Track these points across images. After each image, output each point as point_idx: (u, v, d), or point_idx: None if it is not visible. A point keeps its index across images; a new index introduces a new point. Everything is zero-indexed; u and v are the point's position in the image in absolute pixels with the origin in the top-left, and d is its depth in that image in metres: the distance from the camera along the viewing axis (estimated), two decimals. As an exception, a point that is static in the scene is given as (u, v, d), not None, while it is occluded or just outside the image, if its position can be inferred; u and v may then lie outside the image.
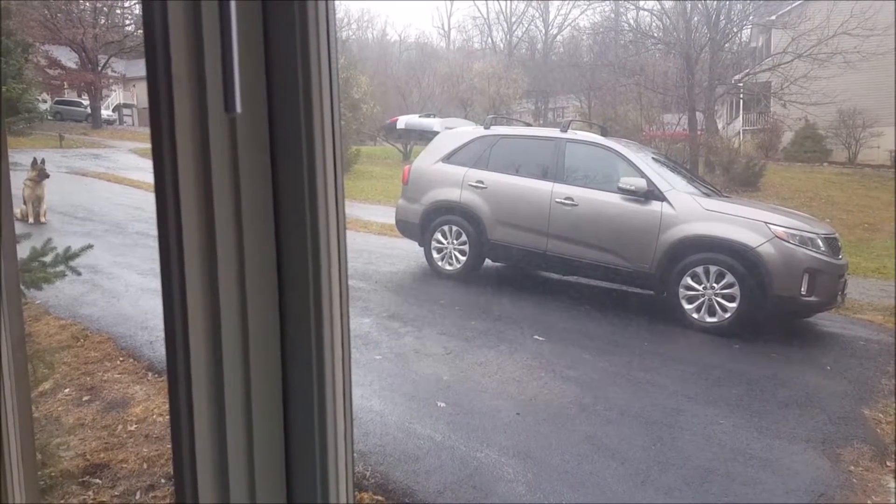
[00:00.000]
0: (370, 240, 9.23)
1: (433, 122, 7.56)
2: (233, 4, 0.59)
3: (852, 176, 15.42)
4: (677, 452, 3.38)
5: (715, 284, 5.52)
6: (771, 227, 5.43)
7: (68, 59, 21.57)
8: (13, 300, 1.18)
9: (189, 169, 0.62)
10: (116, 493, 2.71)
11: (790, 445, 3.55)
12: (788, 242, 5.37)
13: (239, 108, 0.61)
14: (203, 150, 0.62)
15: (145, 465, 2.94)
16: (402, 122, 8.03)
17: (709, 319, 5.55)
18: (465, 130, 7.71)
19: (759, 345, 5.34)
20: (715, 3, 16.43)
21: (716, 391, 4.28)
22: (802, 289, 5.31)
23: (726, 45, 17.44)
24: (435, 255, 7.15)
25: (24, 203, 8.07)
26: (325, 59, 0.65)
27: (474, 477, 3.04)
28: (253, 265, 0.66)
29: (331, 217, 0.69)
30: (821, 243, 5.47)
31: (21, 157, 9.77)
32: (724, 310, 5.48)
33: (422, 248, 7.34)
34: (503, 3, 38.68)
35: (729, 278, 5.46)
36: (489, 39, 33.75)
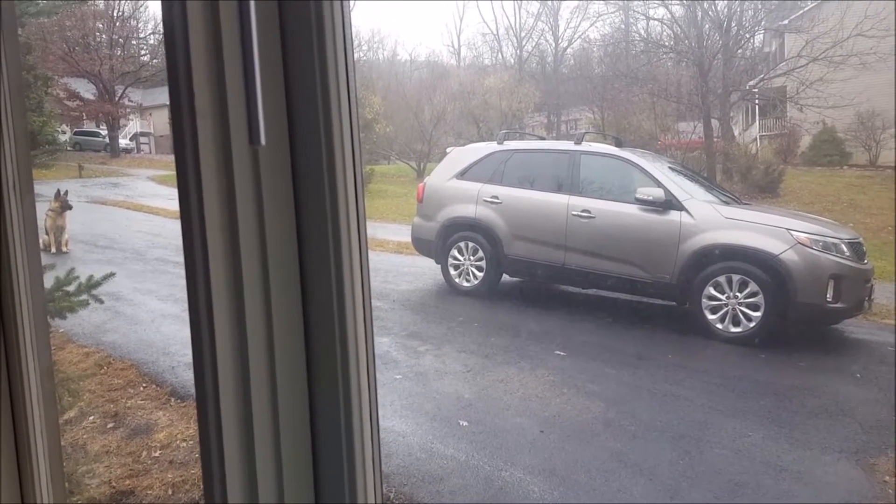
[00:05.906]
0: (387, 258, 9.24)
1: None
2: (255, 36, 0.60)
3: (874, 178, 15.17)
4: (706, 466, 3.32)
5: (738, 293, 5.44)
6: (793, 233, 5.36)
7: (86, 90, 22.04)
8: (41, 331, 1.19)
9: (214, 200, 0.62)
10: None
11: (822, 456, 3.47)
12: (812, 249, 5.28)
13: (263, 141, 0.61)
14: (228, 182, 0.62)
15: (170, 491, 2.94)
16: None
17: (733, 329, 5.47)
18: (478, 146, 7.72)
19: (785, 354, 5.24)
20: (726, 9, 16.40)
21: (743, 403, 4.21)
22: (828, 295, 5.21)
23: (739, 51, 17.35)
24: (452, 272, 7.14)
25: (46, 233, 8.19)
26: (344, 85, 0.66)
27: (499, 496, 3.00)
28: (278, 289, 0.67)
29: (353, 240, 0.69)
30: (845, 248, 5.38)
31: (43, 189, 9.95)
32: (749, 319, 5.39)
33: (439, 266, 7.34)
34: (512, 19, 38.94)
35: (752, 287, 5.38)
36: (499, 55, 33.87)
